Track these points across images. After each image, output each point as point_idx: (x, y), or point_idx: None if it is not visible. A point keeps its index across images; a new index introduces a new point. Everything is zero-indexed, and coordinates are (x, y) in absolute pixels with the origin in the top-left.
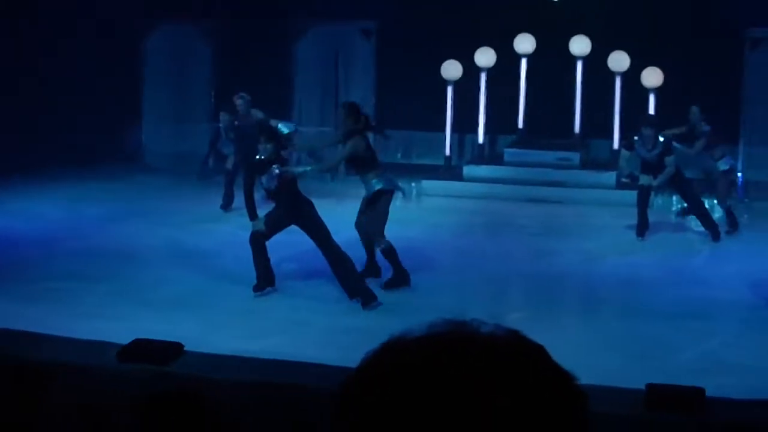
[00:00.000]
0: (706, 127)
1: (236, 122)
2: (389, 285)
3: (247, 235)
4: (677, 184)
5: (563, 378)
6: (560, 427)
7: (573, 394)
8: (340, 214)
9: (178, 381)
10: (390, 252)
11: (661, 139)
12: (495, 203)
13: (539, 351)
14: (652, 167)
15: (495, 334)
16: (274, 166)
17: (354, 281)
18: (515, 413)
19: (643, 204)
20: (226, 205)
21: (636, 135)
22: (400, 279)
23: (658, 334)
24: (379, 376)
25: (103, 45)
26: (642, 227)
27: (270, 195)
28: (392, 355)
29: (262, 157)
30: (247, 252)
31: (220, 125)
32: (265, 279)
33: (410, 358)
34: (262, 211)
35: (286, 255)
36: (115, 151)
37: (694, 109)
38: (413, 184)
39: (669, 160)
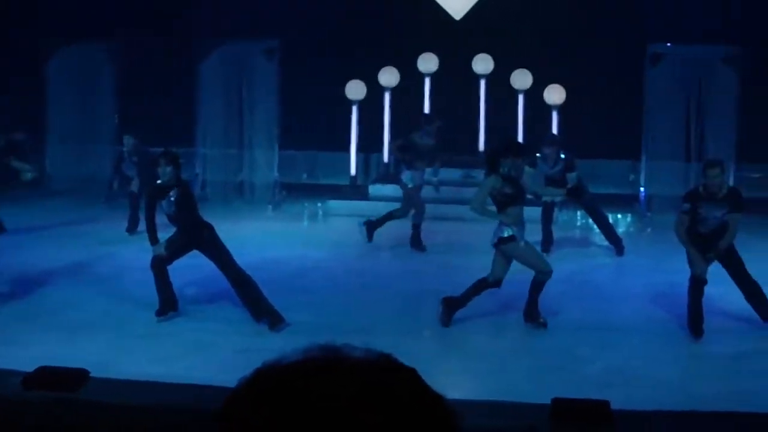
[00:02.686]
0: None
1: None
2: None
3: (147, 263)
4: (581, 199)
5: (434, 400)
6: None
7: (443, 415)
8: (239, 237)
9: (85, 408)
10: None
11: (563, 156)
12: (401, 222)
13: (410, 374)
14: (556, 183)
15: (367, 358)
16: (172, 191)
17: (259, 303)
18: None
19: (547, 220)
20: (132, 228)
21: (538, 153)
22: None
23: (563, 348)
24: (253, 401)
25: (4, 66)
26: (547, 242)
27: (171, 219)
28: (266, 380)
29: (162, 181)
30: (151, 275)
31: (124, 148)
32: (168, 303)
33: (283, 383)
34: (165, 235)
35: (190, 279)
36: (18, 174)
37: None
38: (319, 204)
39: (571, 176)
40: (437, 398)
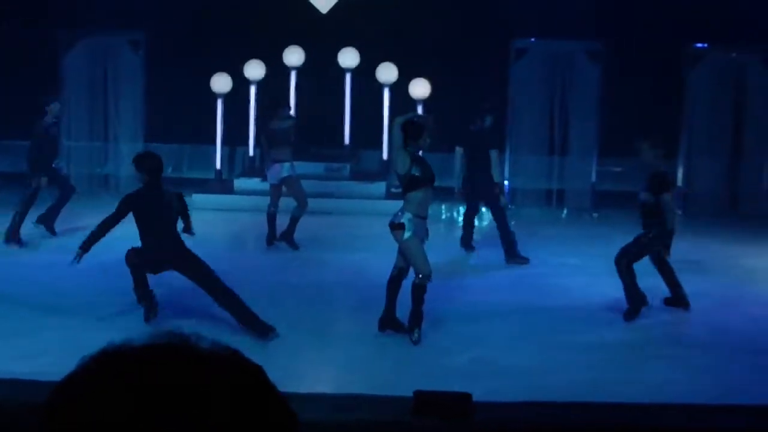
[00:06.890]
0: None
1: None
2: None
3: (14, 258)
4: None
5: (276, 399)
6: None
7: (284, 415)
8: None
9: None
10: None
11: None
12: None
13: (256, 371)
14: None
15: (214, 350)
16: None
17: (246, 312)
18: (227, 429)
19: (469, 220)
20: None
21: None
22: None
23: (428, 340)
24: (91, 385)
25: None
26: (467, 241)
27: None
28: (108, 364)
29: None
30: (17, 271)
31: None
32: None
33: (126, 368)
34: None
35: (58, 273)
36: None
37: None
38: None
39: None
40: (280, 398)
